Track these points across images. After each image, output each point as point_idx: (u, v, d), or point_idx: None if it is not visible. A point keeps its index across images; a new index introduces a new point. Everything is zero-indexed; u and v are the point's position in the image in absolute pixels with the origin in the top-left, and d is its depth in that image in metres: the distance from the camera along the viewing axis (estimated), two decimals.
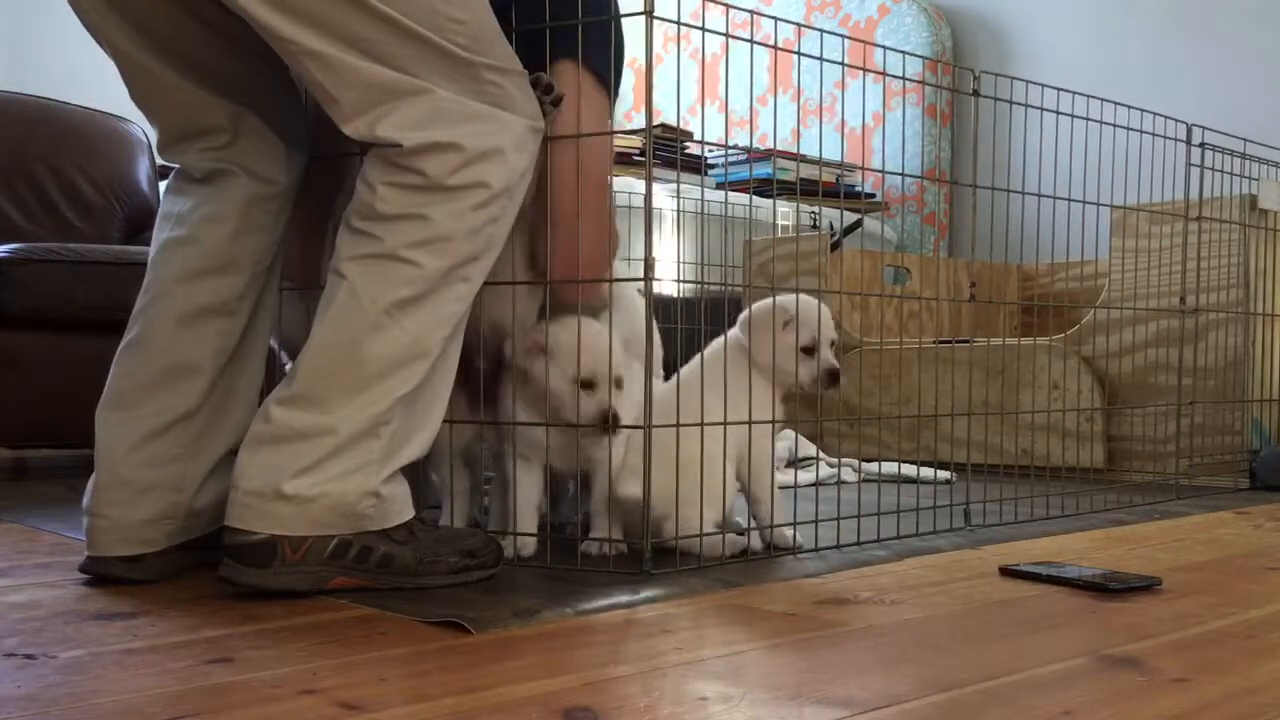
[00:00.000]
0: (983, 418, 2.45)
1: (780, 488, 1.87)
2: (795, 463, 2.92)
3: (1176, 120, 2.59)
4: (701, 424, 1.82)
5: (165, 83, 1.59)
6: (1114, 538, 2.09)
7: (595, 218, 1.72)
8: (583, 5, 1.66)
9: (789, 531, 1.87)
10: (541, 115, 1.62)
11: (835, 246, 3.21)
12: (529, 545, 1.75)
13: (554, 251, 1.73)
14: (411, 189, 1.49)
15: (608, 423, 1.67)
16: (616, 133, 1.72)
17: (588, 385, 1.69)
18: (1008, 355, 3.03)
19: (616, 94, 1.80)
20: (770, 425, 1.84)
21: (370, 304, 1.48)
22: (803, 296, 1.86)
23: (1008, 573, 1.71)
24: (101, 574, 1.58)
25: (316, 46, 1.45)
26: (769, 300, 1.86)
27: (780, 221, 3.61)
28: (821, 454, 2.94)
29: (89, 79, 3.53)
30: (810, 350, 1.83)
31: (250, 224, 1.64)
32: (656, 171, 3.15)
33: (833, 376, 1.84)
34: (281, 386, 1.51)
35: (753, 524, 1.86)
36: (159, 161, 1.79)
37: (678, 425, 1.78)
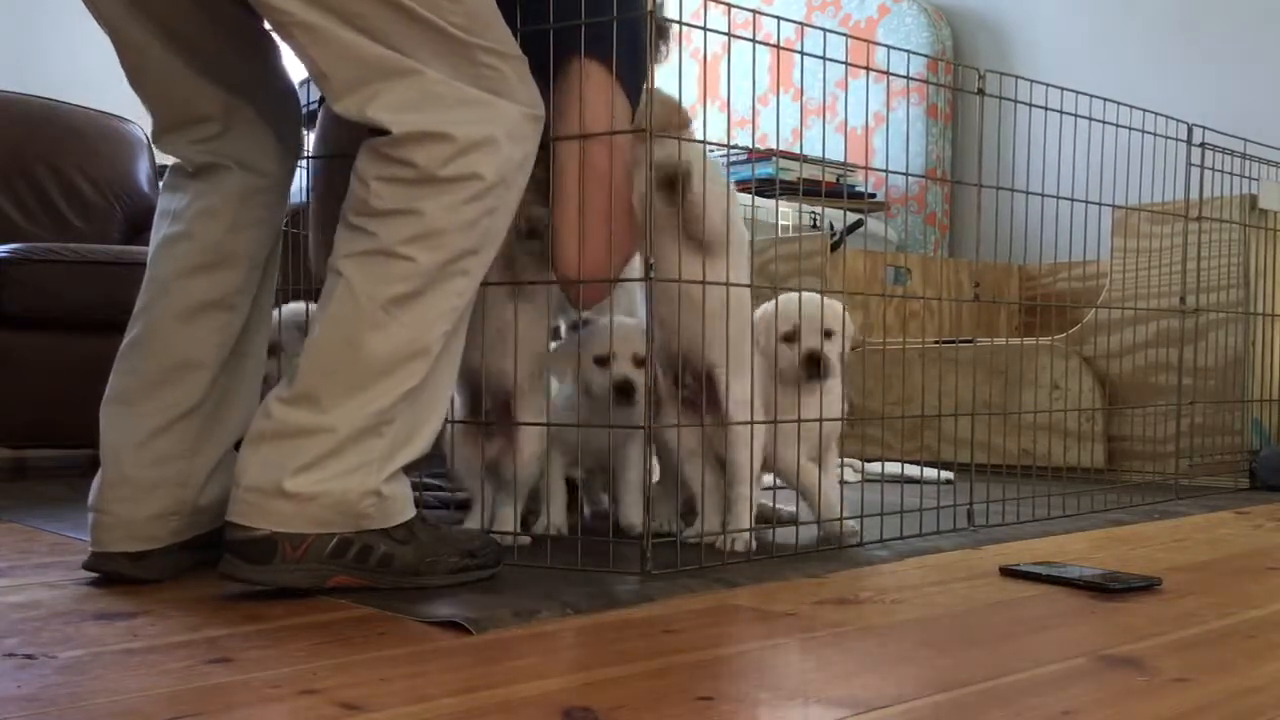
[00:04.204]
0: (983, 418, 2.45)
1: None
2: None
3: (1177, 120, 2.59)
4: (704, 425, 1.82)
5: (157, 62, 1.58)
6: (1114, 538, 2.09)
7: (600, 218, 1.72)
8: (601, 2, 1.64)
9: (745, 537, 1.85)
10: (541, 101, 1.59)
11: (836, 246, 3.20)
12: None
13: (556, 252, 1.73)
14: (403, 182, 1.47)
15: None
16: (616, 133, 1.71)
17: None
18: (1009, 355, 3.03)
19: (638, 95, 1.78)
20: (752, 427, 1.85)
21: (367, 301, 1.47)
22: (797, 297, 1.91)
23: (1008, 573, 1.71)
24: (106, 571, 1.58)
25: (307, 17, 1.43)
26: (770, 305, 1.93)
27: (781, 222, 3.61)
28: None
29: (89, 79, 3.54)
30: (790, 339, 1.89)
31: (245, 218, 1.64)
32: None
33: (811, 361, 1.88)
34: (283, 384, 1.50)
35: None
36: (158, 159, 1.79)
37: (679, 426, 1.78)
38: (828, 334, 1.91)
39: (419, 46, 1.47)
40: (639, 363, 1.82)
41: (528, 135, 1.56)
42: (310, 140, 2.00)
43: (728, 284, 1.84)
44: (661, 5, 1.83)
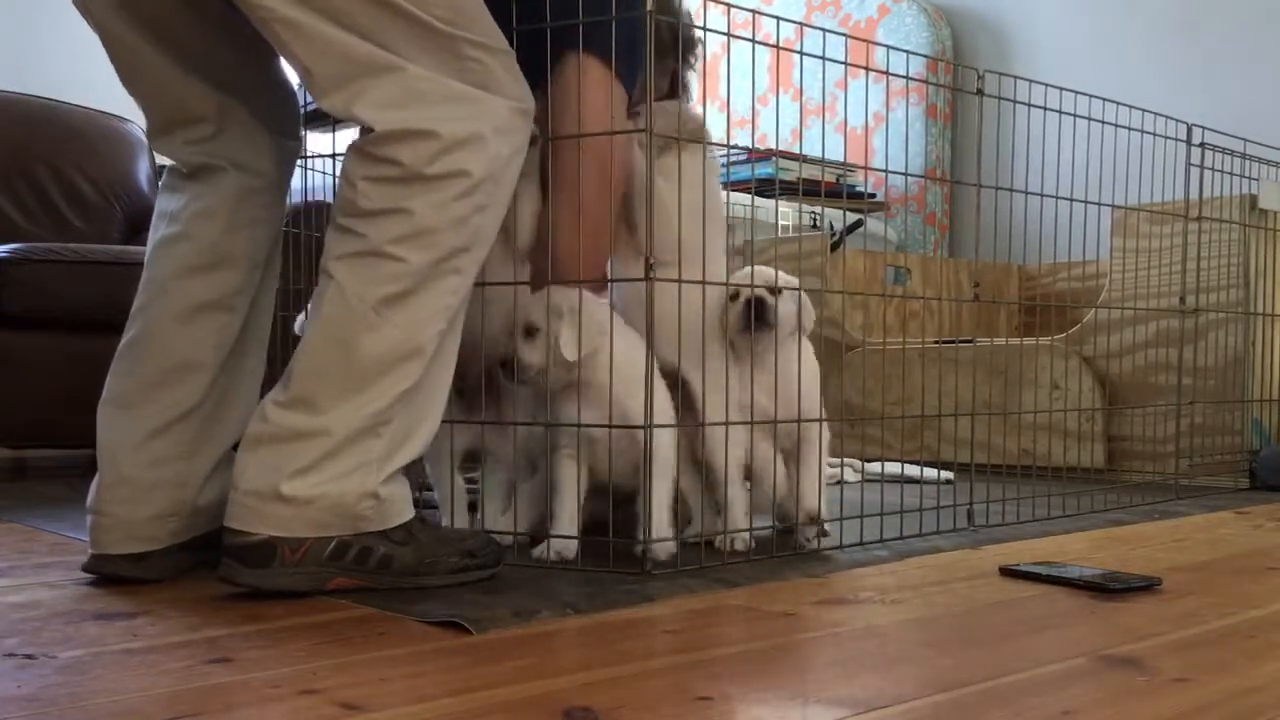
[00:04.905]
0: (983, 418, 2.45)
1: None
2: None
3: (1177, 120, 2.59)
4: (703, 424, 1.82)
5: (149, 62, 1.58)
6: (1114, 538, 2.09)
7: (594, 215, 1.71)
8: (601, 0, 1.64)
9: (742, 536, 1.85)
10: (531, 95, 1.58)
11: (836, 247, 3.20)
12: (570, 548, 1.72)
13: (552, 250, 1.73)
14: (390, 181, 1.46)
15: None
16: (616, 133, 1.71)
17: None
18: (1009, 355, 3.03)
19: (633, 88, 1.78)
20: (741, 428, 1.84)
21: (358, 303, 1.47)
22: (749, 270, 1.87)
23: (1008, 573, 1.71)
24: (106, 573, 1.58)
25: (289, 13, 1.42)
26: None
27: (781, 222, 3.61)
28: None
29: (90, 79, 3.53)
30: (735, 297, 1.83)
31: (242, 218, 1.64)
32: None
33: (749, 306, 1.82)
34: (278, 388, 1.50)
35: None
36: (158, 159, 1.79)
37: (679, 426, 1.78)
38: (776, 291, 1.84)
39: (402, 41, 1.45)
40: (529, 333, 1.71)
41: (516, 129, 1.55)
42: (322, 140, 2.00)
43: (727, 284, 1.84)
44: (689, 13, 1.84)
